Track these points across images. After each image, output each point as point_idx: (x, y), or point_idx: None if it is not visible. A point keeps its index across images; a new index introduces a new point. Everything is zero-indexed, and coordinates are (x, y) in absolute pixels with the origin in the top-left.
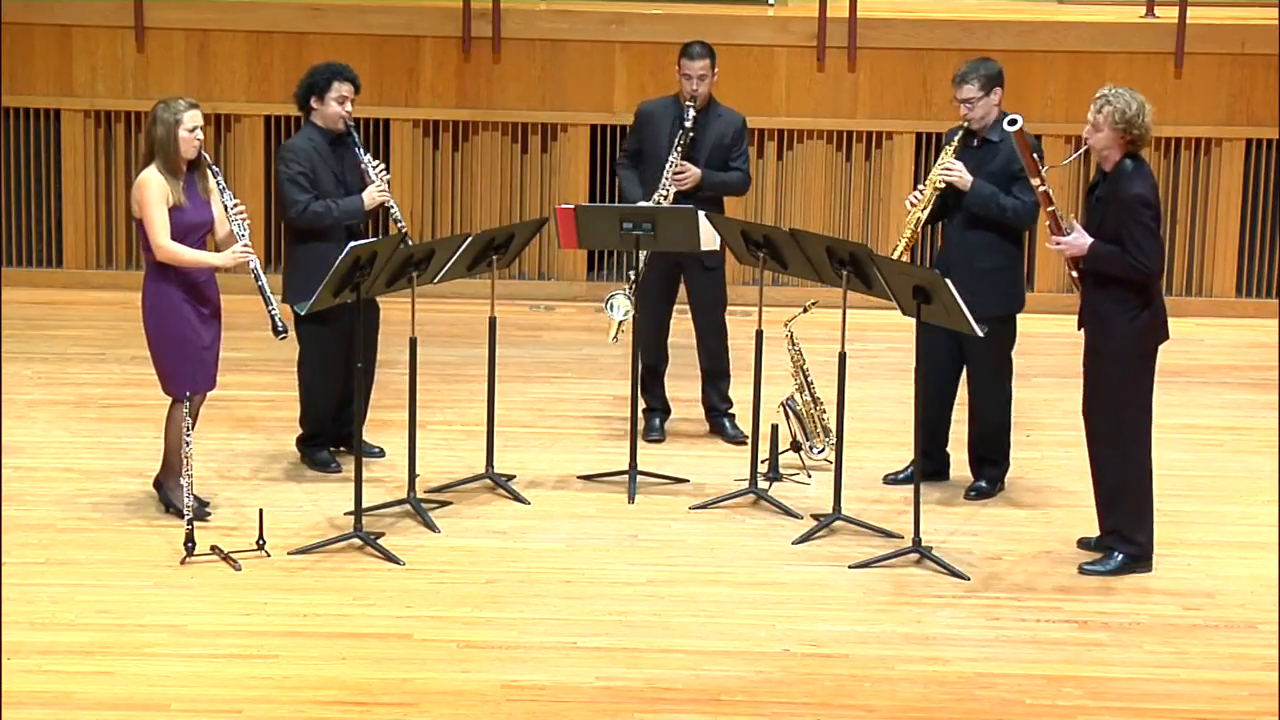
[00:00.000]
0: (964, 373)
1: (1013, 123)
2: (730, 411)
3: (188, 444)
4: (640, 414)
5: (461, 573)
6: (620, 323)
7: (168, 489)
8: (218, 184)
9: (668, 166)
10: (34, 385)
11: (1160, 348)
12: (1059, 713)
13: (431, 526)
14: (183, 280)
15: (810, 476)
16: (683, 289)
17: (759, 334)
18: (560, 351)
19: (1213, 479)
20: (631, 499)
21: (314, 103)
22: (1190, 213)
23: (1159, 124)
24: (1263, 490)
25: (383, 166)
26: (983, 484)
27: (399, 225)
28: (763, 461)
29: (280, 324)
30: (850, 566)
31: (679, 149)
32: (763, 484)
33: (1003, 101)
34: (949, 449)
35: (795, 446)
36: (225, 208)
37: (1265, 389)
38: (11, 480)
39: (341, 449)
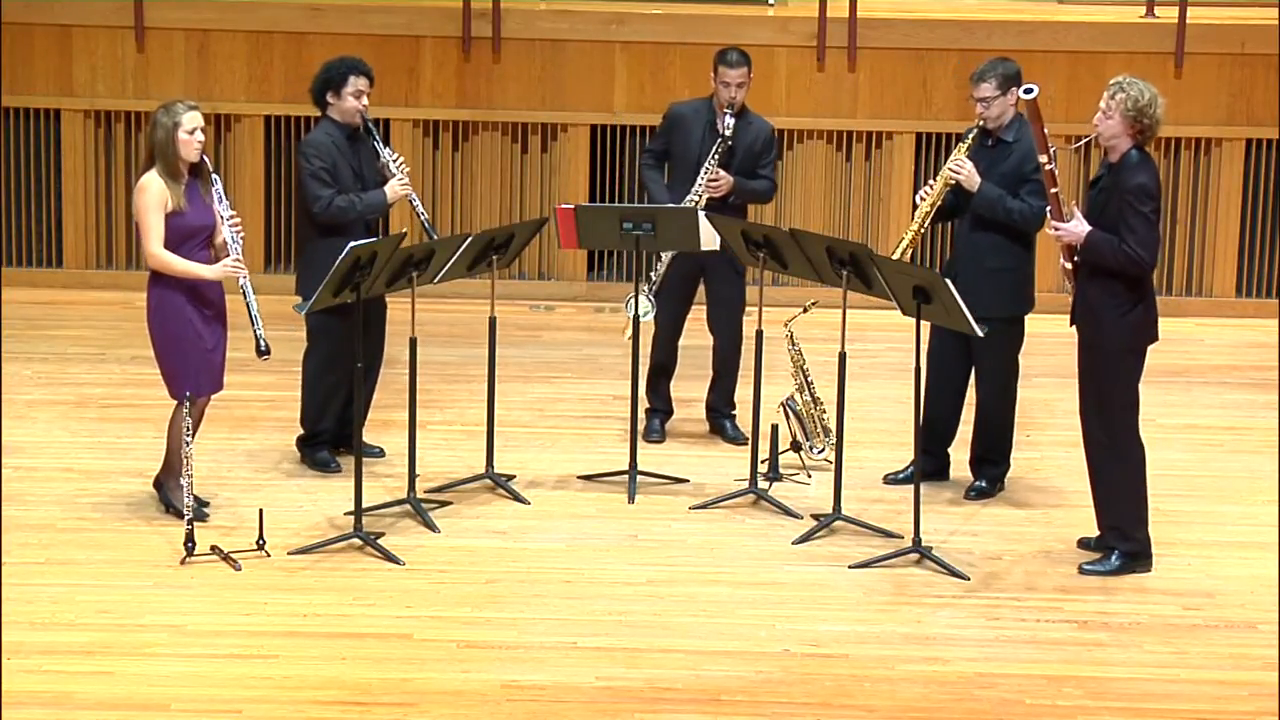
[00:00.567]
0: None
1: (1029, 91)
2: (732, 413)
3: (188, 445)
4: (642, 413)
5: (461, 573)
6: (636, 320)
7: (167, 489)
8: (216, 193)
9: (703, 172)
10: (34, 385)
11: (1152, 349)
12: (1059, 713)
13: (431, 526)
14: (186, 282)
15: (810, 476)
16: (700, 288)
17: (759, 334)
18: (560, 351)
19: (1213, 479)
20: (631, 499)
21: (330, 98)
22: (1190, 213)
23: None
24: (1263, 490)
25: (402, 159)
26: (983, 484)
27: (422, 218)
28: (763, 461)
29: (264, 344)
30: (850, 566)
31: (715, 156)
32: (763, 484)
33: None
34: (950, 449)
35: (795, 446)
36: (221, 218)
37: (1265, 389)
38: (11, 480)
39: (341, 449)
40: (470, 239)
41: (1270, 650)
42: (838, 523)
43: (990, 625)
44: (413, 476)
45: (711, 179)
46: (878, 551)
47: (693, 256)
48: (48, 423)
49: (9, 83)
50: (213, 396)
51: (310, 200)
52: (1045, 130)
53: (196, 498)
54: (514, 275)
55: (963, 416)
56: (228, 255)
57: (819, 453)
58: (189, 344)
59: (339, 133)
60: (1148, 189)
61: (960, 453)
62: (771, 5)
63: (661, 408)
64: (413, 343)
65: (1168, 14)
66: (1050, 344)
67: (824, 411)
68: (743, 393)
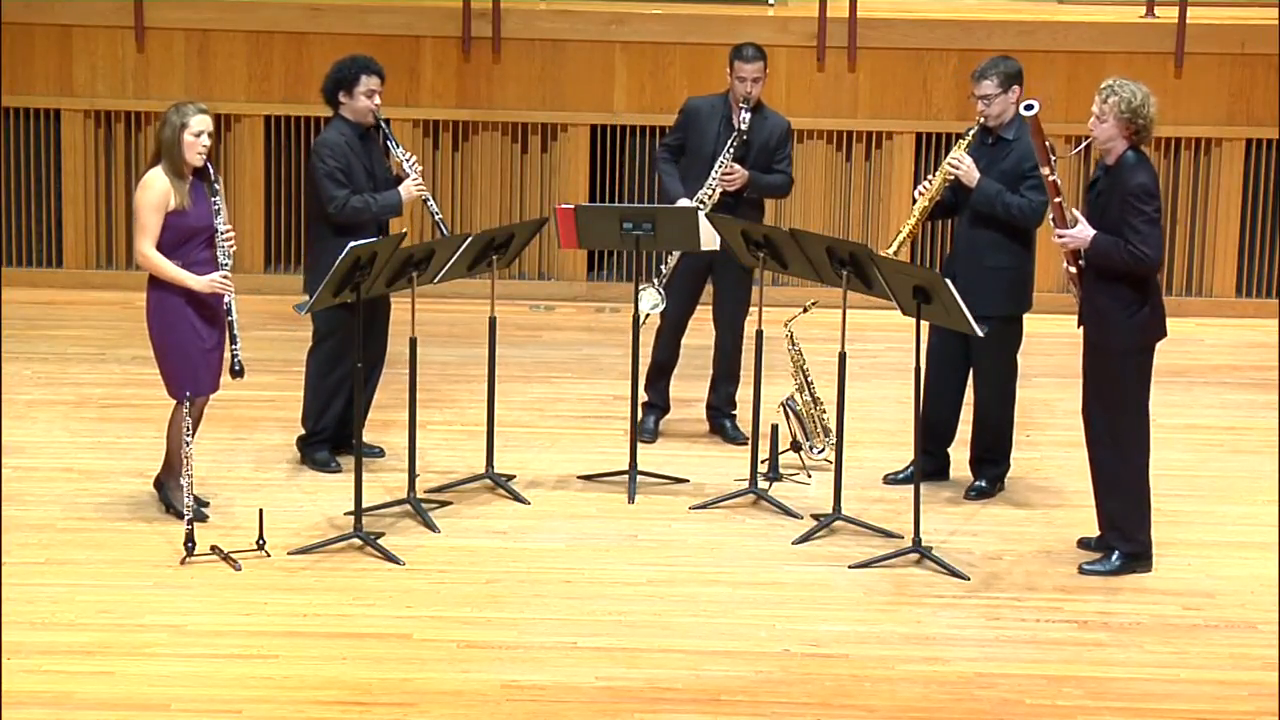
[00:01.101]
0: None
1: (1029, 108)
2: (732, 413)
3: (188, 445)
4: (639, 407)
5: (461, 573)
6: (647, 315)
7: (168, 489)
8: (214, 204)
9: (717, 166)
10: (34, 385)
11: (1158, 346)
12: (1059, 713)
13: (431, 526)
14: None
15: (810, 476)
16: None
17: (759, 334)
18: (560, 351)
19: (1213, 479)
20: (631, 499)
21: (342, 97)
22: (1190, 213)
23: (1159, 124)
24: (1263, 490)
25: (416, 159)
26: (983, 484)
27: (436, 218)
28: (763, 461)
29: (238, 365)
30: (850, 566)
31: (730, 150)
32: (763, 484)
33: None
34: (950, 449)
35: (795, 446)
36: (217, 230)
37: (1265, 389)
38: (11, 480)
39: (341, 449)
40: (470, 239)
41: (1270, 650)
42: (838, 523)
43: (990, 625)
44: (413, 476)
45: (726, 172)
46: (878, 551)
47: (700, 255)
48: (48, 423)
49: (9, 83)
50: (212, 396)
51: (325, 201)
52: (1047, 143)
53: (196, 498)
54: (514, 275)
55: (962, 416)
56: (219, 265)
57: (819, 453)
58: (189, 343)
59: (351, 132)
60: (1148, 188)
61: (960, 453)
62: (771, 5)
63: (659, 404)
64: (413, 343)
65: (1168, 14)
66: (1050, 344)
67: (824, 411)
68: (743, 393)
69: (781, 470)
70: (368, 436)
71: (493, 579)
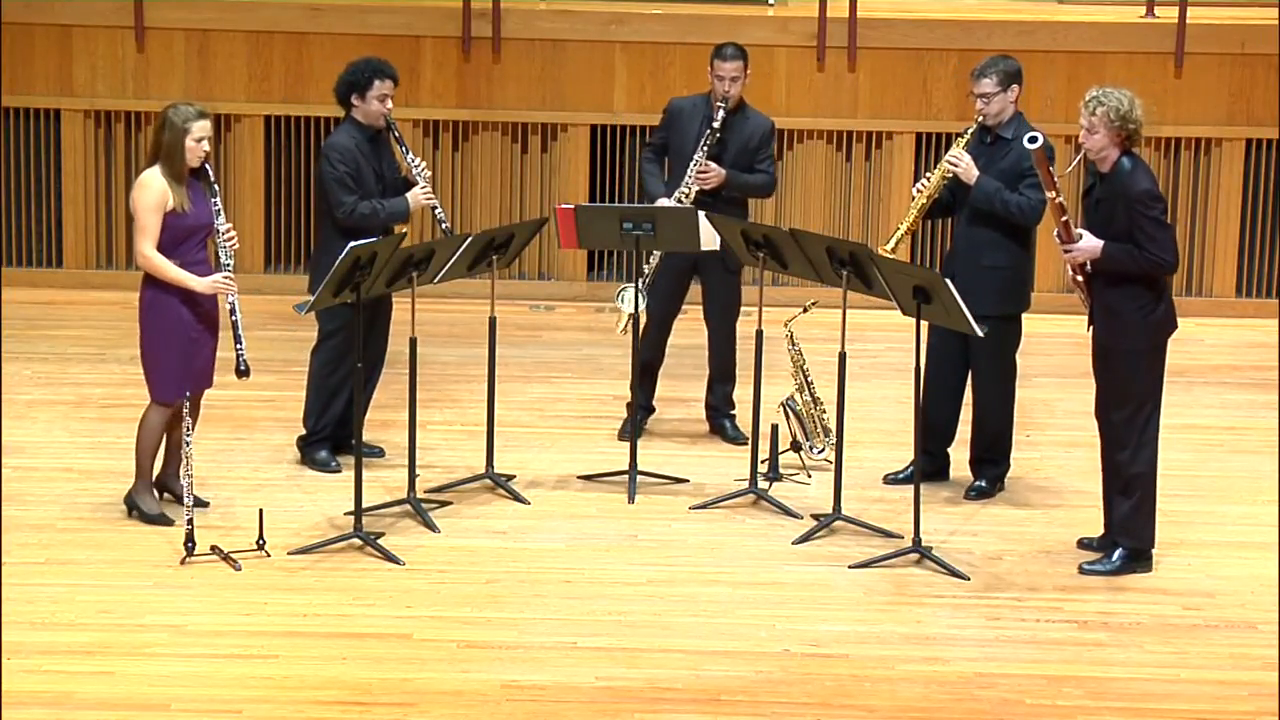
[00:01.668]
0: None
1: (1033, 140)
2: (731, 413)
3: (188, 444)
4: (624, 407)
5: (461, 573)
6: (630, 315)
7: (134, 494)
8: (213, 205)
9: (691, 164)
10: (34, 385)
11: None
12: (1059, 713)
13: (431, 526)
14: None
15: (810, 476)
16: (695, 289)
17: (759, 334)
18: (560, 351)
19: (1213, 479)
20: (631, 499)
21: (354, 99)
22: (1190, 213)
23: (1159, 124)
24: (1263, 490)
25: (425, 165)
26: (983, 484)
27: (443, 226)
28: (763, 461)
29: (244, 365)
30: (850, 566)
31: (704, 148)
32: (763, 484)
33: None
34: (950, 449)
35: (795, 446)
36: (217, 231)
37: (1265, 389)
38: (11, 480)
39: (341, 449)
40: (470, 239)
41: (1270, 650)
42: (838, 523)
43: (990, 625)
44: (413, 476)
45: (700, 171)
46: (878, 551)
47: (685, 254)
48: (48, 423)
49: (9, 83)
50: (213, 396)
51: (334, 205)
52: (1052, 169)
53: (196, 498)
54: (514, 275)
55: (962, 416)
56: (220, 265)
57: (819, 453)
58: (184, 344)
59: (361, 135)
60: (1152, 192)
61: (960, 453)
62: (771, 5)
63: (642, 404)
64: (413, 343)
65: (1168, 14)
66: (1050, 344)
67: (824, 411)
68: (743, 393)
69: (781, 470)
70: (367, 436)
71: (493, 579)
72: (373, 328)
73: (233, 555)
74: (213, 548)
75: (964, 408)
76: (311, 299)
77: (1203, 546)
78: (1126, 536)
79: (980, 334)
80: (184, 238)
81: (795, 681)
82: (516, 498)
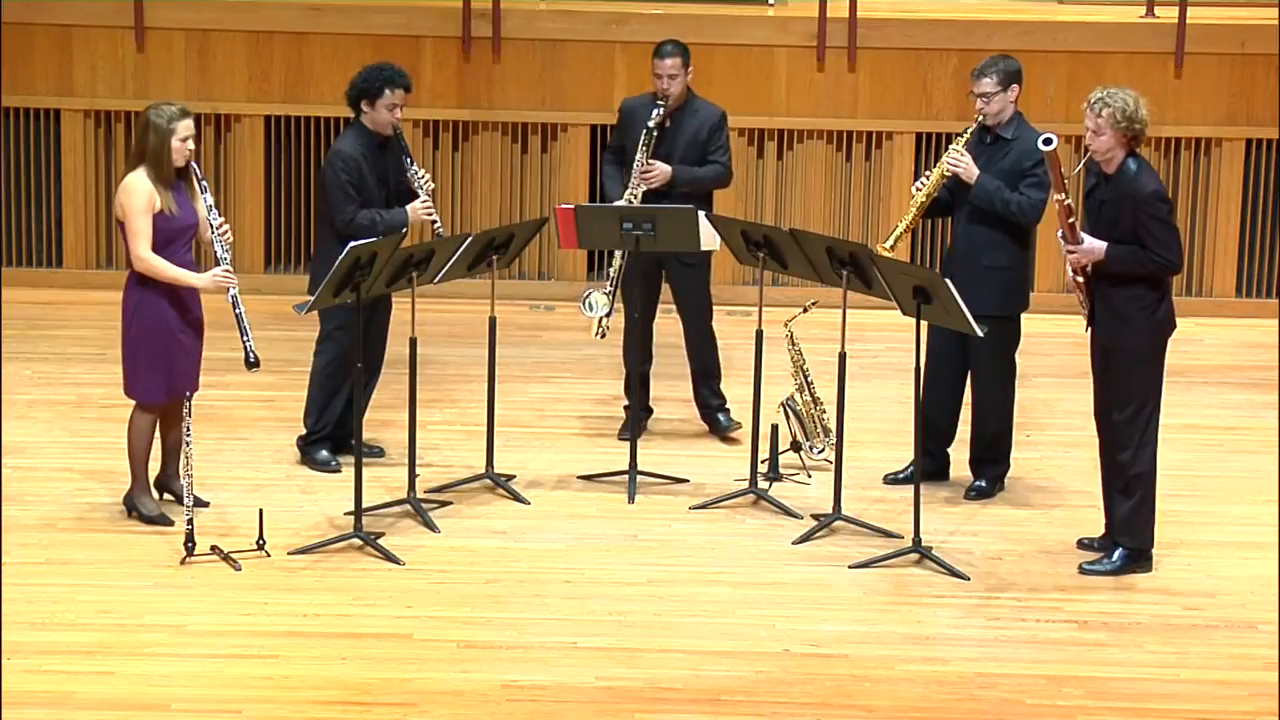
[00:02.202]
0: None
1: (1048, 142)
2: (723, 405)
3: (189, 444)
4: (622, 409)
5: (461, 573)
6: (601, 319)
7: (133, 496)
8: (204, 201)
9: (635, 164)
10: (34, 385)
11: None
12: (1059, 713)
13: (431, 526)
14: (166, 285)
15: (810, 476)
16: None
17: (759, 334)
18: (560, 351)
19: (1213, 479)
20: (631, 499)
21: (364, 105)
22: (1190, 213)
23: (1159, 124)
24: (1263, 490)
25: (428, 176)
26: (983, 484)
27: (438, 236)
28: (763, 461)
29: (253, 356)
30: (850, 566)
31: (644, 148)
32: (763, 484)
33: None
34: (950, 449)
35: (795, 446)
36: (211, 226)
37: (1265, 389)
38: (11, 480)
39: (342, 450)
40: (470, 239)
41: (1270, 650)
42: (838, 523)
43: (990, 625)
44: (413, 476)
45: (644, 171)
46: (878, 551)
47: (648, 256)
48: (48, 423)
49: (9, 83)
50: (213, 396)
51: (334, 212)
52: (1062, 170)
53: (196, 497)
54: (514, 275)
55: (961, 416)
56: (218, 260)
57: (819, 453)
58: (172, 346)
59: (369, 141)
60: (1160, 193)
61: (960, 453)
62: (771, 5)
63: (639, 407)
64: (413, 343)
65: (1168, 14)
66: (1050, 344)
67: (824, 411)
68: (743, 393)
69: (781, 470)
70: (367, 436)
71: (493, 579)
72: (370, 330)
73: (233, 555)
74: (213, 548)
75: (964, 408)
76: (311, 299)
77: (1203, 546)
78: (1127, 536)
79: (980, 334)
80: (172, 239)
81: (795, 681)
82: (516, 498)
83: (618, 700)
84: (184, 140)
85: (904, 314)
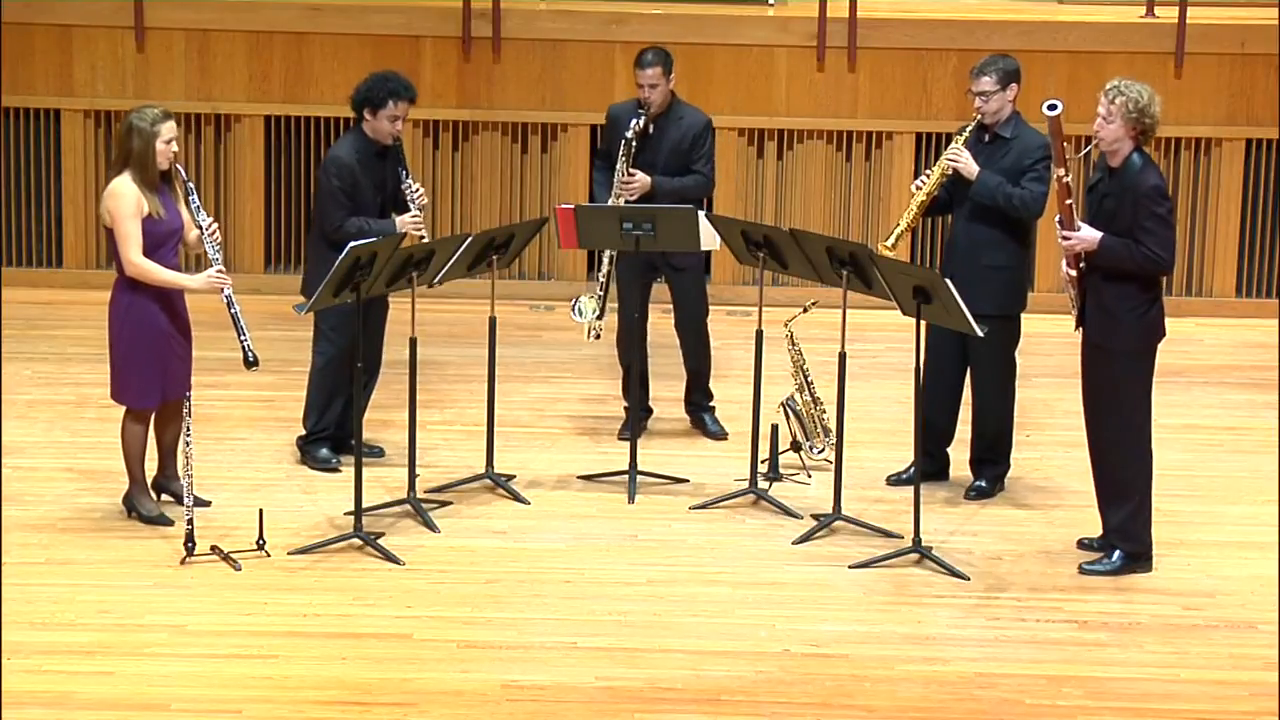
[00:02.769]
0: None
1: (1052, 107)
2: (711, 405)
3: (189, 444)
4: (623, 410)
5: (461, 573)
6: (590, 323)
7: (131, 497)
8: (190, 203)
9: (616, 174)
10: (34, 385)
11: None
12: (1059, 713)
13: (431, 526)
14: (156, 289)
15: (810, 476)
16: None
17: (759, 334)
18: (560, 351)
19: (1213, 479)
20: (631, 499)
21: (367, 114)
22: (1190, 213)
23: (1159, 124)
24: (1263, 490)
25: (423, 191)
26: (983, 484)
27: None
28: (763, 461)
29: (252, 355)
30: (850, 566)
31: (624, 158)
32: (763, 484)
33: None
34: (950, 449)
35: (795, 446)
36: (200, 227)
37: (1265, 389)
38: (11, 480)
39: (342, 449)
40: (470, 239)
41: (1270, 650)
42: (838, 523)
43: (990, 625)
44: (413, 476)
45: (624, 181)
46: (878, 551)
47: (638, 257)
48: (48, 423)
49: (9, 83)
50: (213, 396)
51: (324, 218)
52: (1064, 145)
53: (196, 497)
54: (514, 275)
55: (961, 416)
56: (210, 260)
57: (819, 453)
58: (163, 350)
59: (368, 147)
60: (1161, 189)
61: (960, 453)
62: (771, 5)
63: (638, 408)
64: (413, 343)
65: (1168, 14)
66: (1050, 344)
67: (824, 411)
68: (743, 393)
69: (781, 470)
70: (367, 436)
71: (493, 579)
72: (367, 328)
73: (233, 555)
74: (213, 548)
75: (963, 407)
76: (310, 300)
77: (1203, 546)
78: (1125, 542)
79: (980, 334)
80: (161, 243)
81: (795, 681)
82: (516, 498)
83: (618, 700)
84: (168, 142)
85: (904, 314)
